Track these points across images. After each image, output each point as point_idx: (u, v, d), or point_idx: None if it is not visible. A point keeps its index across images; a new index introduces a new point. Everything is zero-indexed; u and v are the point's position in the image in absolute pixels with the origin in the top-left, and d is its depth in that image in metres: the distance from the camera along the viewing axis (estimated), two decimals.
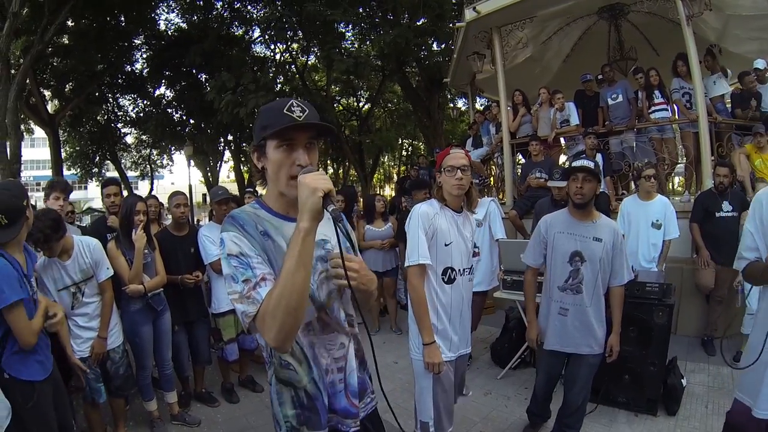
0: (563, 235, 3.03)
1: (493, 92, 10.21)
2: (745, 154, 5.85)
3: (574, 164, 3.01)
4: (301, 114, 1.39)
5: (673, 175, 8.48)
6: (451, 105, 20.02)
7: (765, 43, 7.74)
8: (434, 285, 2.54)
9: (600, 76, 7.91)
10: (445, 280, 2.54)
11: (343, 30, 15.91)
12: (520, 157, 8.46)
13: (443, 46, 14.45)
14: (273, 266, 1.40)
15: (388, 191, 30.84)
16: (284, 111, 1.38)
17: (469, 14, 7.79)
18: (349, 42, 16.84)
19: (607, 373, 3.68)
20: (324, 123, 1.47)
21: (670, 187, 9.09)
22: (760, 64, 6.81)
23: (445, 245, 2.52)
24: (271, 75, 16.92)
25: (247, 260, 1.36)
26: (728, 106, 6.92)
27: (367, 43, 16.10)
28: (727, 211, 5.02)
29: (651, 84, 6.81)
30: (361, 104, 23.84)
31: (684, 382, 3.94)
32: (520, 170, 7.96)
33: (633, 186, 7.91)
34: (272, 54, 19.05)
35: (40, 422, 2.44)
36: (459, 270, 2.57)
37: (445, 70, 12.15)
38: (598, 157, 6.30)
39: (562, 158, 8.36)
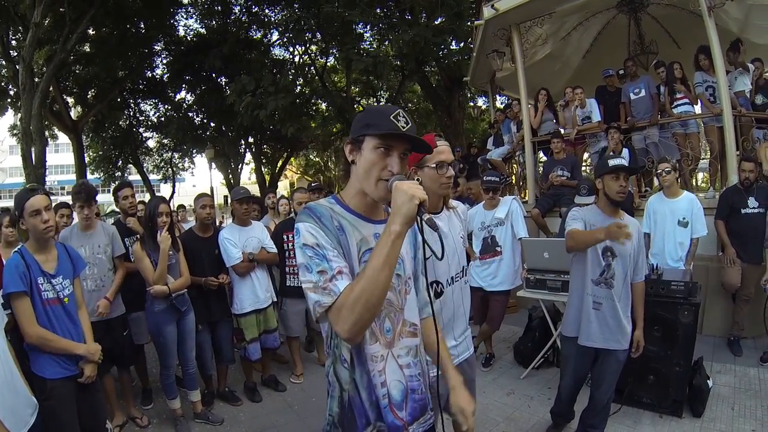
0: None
1: (513, 90, 10.11)
2: None
3: (612, 163, 2.97)
4: (405, 125, 1.43)
5: (697, 170, 8.31)
6: (471, 104, 19.90)
7: None
8: None
9: (621, 71, 7.79)
10: (433, 297, 2.36)
11: (362, 31, 15.92)
12: (542, 155, 8.39)
13: (462, 44, 14.35)
14: (346, 261, 1.45)
15: None
16: (390, 117, 1.42)
17: (487, 12, 7.73)
18: (368, 43, 16.82)
19: (631, 373, 3.67)
20: (424, 140, 1.54)
21: (694, 183, 8.90)
22: None
23: (425, 260, 2.35)
24: (291, 77, 17.01)
25: (323, 252, 1.40)
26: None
27: (386, 43, 16.09)
28: (753, 208, 4.90)
29: (675, 78, 6.69)
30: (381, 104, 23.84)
31: (710, 383, 3.87)
32: (542, 168, 7.90)
33: (656, 182, 7.80)
34: (291, 56, 19.16)
35: (55, 422, 2.52)
36: (447, 281, 2.34)
37: (465, 69, 12.12)
38: (625, 152, 6.19)
39: (584, 155, 8.26)
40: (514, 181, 9.26)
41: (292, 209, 5.03)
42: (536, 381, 4.58)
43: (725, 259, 5.03)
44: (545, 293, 4.62)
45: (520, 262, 4.80)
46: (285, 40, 17.48)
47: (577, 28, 9.03)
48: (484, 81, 11.11)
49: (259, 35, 18.93)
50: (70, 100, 19.49)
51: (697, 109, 6.87)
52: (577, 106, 7.53)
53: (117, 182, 22.02)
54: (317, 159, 33.77)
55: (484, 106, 19.62)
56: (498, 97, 12.57)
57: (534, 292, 4.72)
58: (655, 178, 7.80)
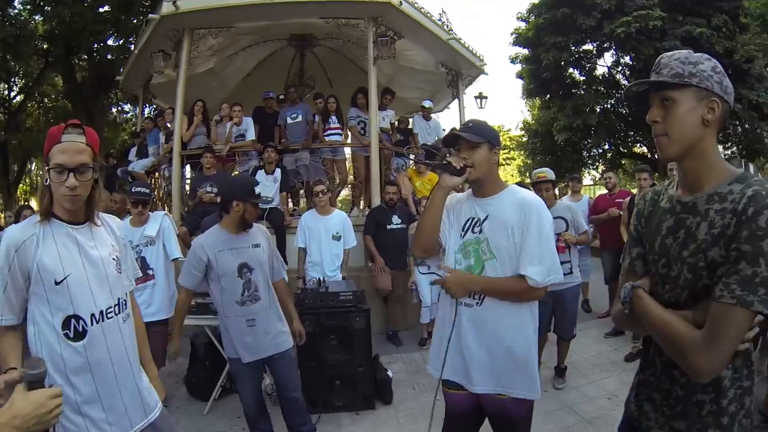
0: (226, 252, 3.02)
1: (166, 100, 9.42)
2: (408, 177, 7.05)
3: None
4: None
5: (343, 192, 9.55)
6: (116, 110, 17.94)
7: (423, 92, 10.04)
8: (55, 350, 1.66)
9: (282, 96, 8.20)
10: (71, 336, 1.68)
11: None
12: (188, 169, 7.98)
13: (122, 42, 13.03)
14: None
15: (35, 204, 25.54)
16: None
17: (166, 7, 6.95)
18: (17, 10, 13.41)
19: (319, 383, 3.92)
20: None
21: (339, 203, 10.10)
22: (427, 103, 8.57)
23: (57, 283, 1.67)
24: None
25: None
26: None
27: (38, 17, 13.30)
28: (397, 224, 5.87)
29: (328, 110, 7.47)
30: (12, 94, 18.59)
31: (390, 373, 4.43)
32: (189, 184, 7.49)
33: (302, 202, 8.61)
34: None
35: None
36: (95, 315, 1.72)
37: (118, 69, 10.99)
38: (277, 171, 6.39)
39: (234, 173, 8.18)
40: (158, 196, 8.36)
41: None
42: (222, 412, 4.16)
43: (376, 268, 5.82)
44: (211, 318, 4.19)
45: (175, 287, 4.22)
46: None
47: (245, 50, 9.16)
48: (137, 84, 10.00)
49: None
50: None
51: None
52: (234, 123, 7.35)
53: None
54: None
55: (129, 114, 17.95)
56: (146, 107, 11.52)
57: (198, 318, 4.29)
58: (301, 198, 8.58)
